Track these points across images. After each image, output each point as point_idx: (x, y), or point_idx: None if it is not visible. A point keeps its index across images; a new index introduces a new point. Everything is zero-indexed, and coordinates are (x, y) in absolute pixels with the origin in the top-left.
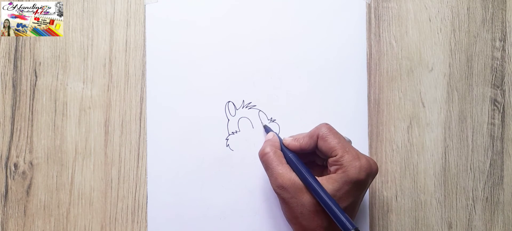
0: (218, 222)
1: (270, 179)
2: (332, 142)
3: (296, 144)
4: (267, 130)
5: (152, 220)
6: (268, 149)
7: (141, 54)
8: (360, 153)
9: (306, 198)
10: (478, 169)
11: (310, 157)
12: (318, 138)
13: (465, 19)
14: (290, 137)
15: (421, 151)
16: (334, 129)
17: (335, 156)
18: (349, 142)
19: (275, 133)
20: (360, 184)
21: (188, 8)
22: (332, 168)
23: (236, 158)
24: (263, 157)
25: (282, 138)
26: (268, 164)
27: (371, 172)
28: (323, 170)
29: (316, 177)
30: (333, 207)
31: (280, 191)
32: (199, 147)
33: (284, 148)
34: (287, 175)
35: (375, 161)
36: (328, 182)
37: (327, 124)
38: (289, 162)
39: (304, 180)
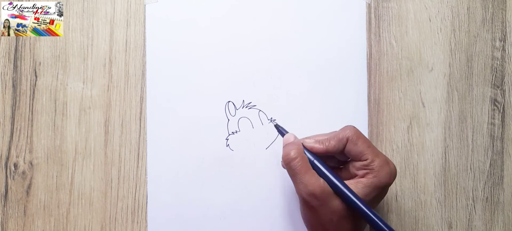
0: (218, 222)
1: (298, 186)
2: (362, 146)
3: (322, 146)
4: (281, 130)
5: (152, 220)
6: (294, 153)
7: (141, 54)
8: (387, 157)
9: (336, 204)
10: (478, 169)
11: (323, 158)
12: (347, 141)
13: (465, 19)
14: (309, 138)
15: (421, 151)
16: (361, 133)
17: (365, 161)
18: None
19: (294, 134)
20: (387, 188)
21: (188, 8)
22: (360, 172)
23: (236, 158)
24: (290, 163)
25: (300, 140)
26: (296, 171)
27: (396, 176)
28: (337, 172)
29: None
30: (371, 214)
31: (310, 199)
32: (199, 147)
33: (305, 151)
34: (317, 182)
35: None
36: (356, 187)
37: (354, 127)
38: (313, 166)
39: (334, 186)
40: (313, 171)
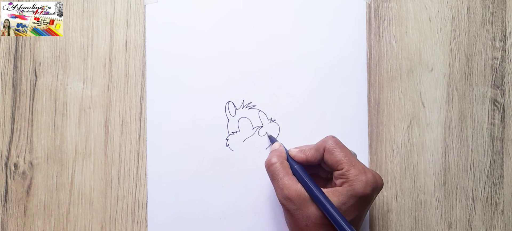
0: (218, 222)
1: (276, 190)
2: (339, 155)
3: (302, 156)
4: (272, 140)
5: (152, 220)
6: (274, 159)
7: (141, 54)
8: (366, 167)
9: (311, 210)
10: (478, 169)
11: (314, 169)
12: (324, 151)
13: (465, 19)
14: (296, 148)
15: (421, 151)
16: (341, 142)
17: (341, 170)
18: (355, 155)
19: (281, 143)
20: (366, 198)
21: (188, 8)
22: (338, 181)
23: (236, 158)
24: (270, 168)
25: (287, 149)
26: (275, 175)
27: (376, 187)
28: (327, 182)
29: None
30: (340, 220)
31: (286, 202)
32: (199, 147)
33: (289, 159)
34: (293, 186)
35: (380, 174)
36: (333, 195)
37: (333, 137)
38: (295, 173)
39: (310, 192)
40: (293, 176)
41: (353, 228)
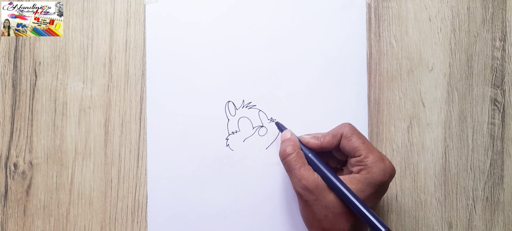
0: (218, 222)
1: (293, 181)
2: (356, 141)
3: (317, 142)
4: (280, 127)
5: (152, 220)
6: (289, 149)
7: (141, 54)
8: (383, 154)
9: (330, 199)
10: (478, 169)
11: (324, 158)
12: (341, 137)
13: (465, 19)
14: (308, 135)
15: (421, 151)
16: (357, 129)
17: (359, 156)
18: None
19: (291, 131)
20: (383, 186)
21: (188, 8)
22: (354, 168)
23: (236, 158)
24: (286, 158)
25: (298, 136)
26: (292, 166)
27: (392, 174)
28: (337, 171)
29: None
30: (362, 207)
31: (305, 193)
32: (199, 146)
33: (302, 146)
34: (311, 176)
35: None
36: (351, 182)
37: (350, 124)
38: (309, 162)
39: (328, 180)
40: (309, 166)
41: (373, 213)
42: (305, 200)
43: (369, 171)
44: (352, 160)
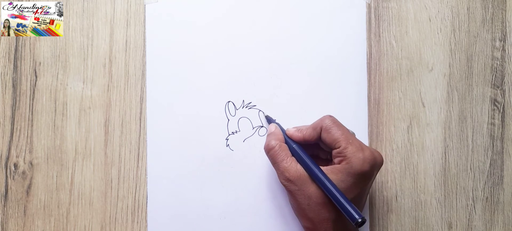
0: (218, 222)
1: (277, 173)
2: (336, 133)
3: (299, 135)
4: (269, 120)
5: (152, 220)
6: (273, 143)
7: (141, 54)
8: (364, 144)
9: (312, 190)
10: (478, 169)
11: (314, 151)
12: (321, 130)
13: (465, 19)
14: (294, 127)
15: (421, 151)
16: (338, 121)
17: (339, 148)
18: (353, 134)
19: (278, 123)
20: (365, 175)
21: (188, 8)
22: (336, 160)
23: (236, 158)
24: (269, 152)
25: (284, 129)
26: (275, 158)
27: (375, 164)
28: (327, 164)
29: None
30: (339, 197)
31: (288, 184)
32: (199, 147)
33: (287, 139)
34: (294, 167)
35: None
36: (332, 173)
37: (330, 116)
38: (293, 153)
39: (309, 171)
40: (292, 158)
41: (352, 204)
42: (289, 190)
43: (349, 162)
44: (333, 152)
